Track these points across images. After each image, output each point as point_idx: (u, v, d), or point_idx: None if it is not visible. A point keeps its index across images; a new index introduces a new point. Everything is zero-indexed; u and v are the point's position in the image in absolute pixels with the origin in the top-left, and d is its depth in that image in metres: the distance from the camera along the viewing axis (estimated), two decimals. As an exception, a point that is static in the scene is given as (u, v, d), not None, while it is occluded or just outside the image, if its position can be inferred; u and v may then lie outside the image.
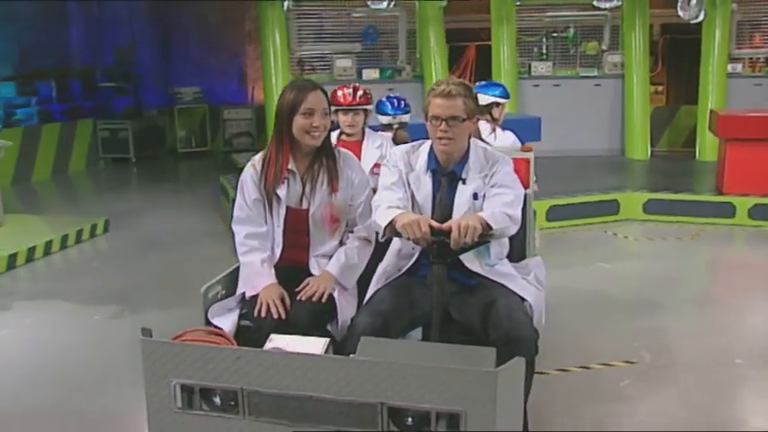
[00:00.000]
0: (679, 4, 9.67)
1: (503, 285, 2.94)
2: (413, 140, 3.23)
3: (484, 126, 4.94)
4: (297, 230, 3.08)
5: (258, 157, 3.14)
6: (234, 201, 3.23)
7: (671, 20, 11.30)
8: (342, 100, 4.43)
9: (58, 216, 7.90)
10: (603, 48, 11.21)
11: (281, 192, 3.05)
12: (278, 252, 3.08)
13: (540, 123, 6.83)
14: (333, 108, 4.35)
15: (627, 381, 3.99)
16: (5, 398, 3.91)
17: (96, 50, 12.94)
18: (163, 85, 13.61)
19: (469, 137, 3.04)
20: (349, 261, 3.07)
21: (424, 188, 3.00)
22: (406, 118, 4.95)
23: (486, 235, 2.73)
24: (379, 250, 3.14)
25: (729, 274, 6.51)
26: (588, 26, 11.36)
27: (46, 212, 8.28)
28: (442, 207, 2.96)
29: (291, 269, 3.06)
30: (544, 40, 11.55)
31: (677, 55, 13.18)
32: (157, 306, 5.22)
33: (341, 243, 3.15)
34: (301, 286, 2.97)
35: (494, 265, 3.00)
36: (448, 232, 2.66)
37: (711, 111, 8.69)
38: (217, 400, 2.26)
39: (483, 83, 5.28)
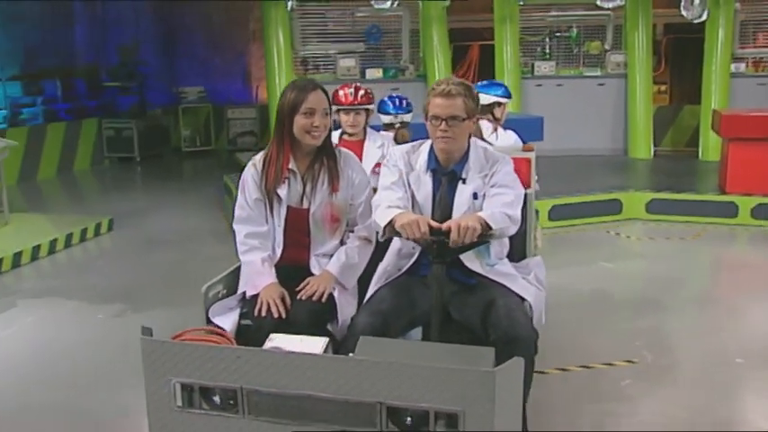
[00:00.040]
0: (682, 3, 9.66)
1: (503, 285, 2.94)
2: (414, 140, 3.23)
3: (485, 126, 4.94)
4: (297, 230, 3.09)
5: (259, 157, 3.14)
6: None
7: (674, 19, 11.29)
8: (343, 100, 4.45)
9: (63, 215, 7.93)
10: (606, 47, 11.21)
11: (282, 191, 3.06)
12: (278, 251, 3.09)
13: (543, 123, 6.84)
14: (334, 108, 4.38)
15: (628, 380, 3.99)
16: (11, 396, 3.94)
17: (101, 50, 12.98)
18: (167, 84, 13.64)
19: (469, 136, 3.04)
20: (349, 261, 3.08)
21: (425, 188, 3.01)
22: (407, 117, 4.96)
23: (485, 235, 2.73)
24: (380, 250, 3.14)
25: (731, 273, 6.51)
26: (591, 26, 11.36)
27: (51, 211, 8.31)
28: (442, 207, 2.97)
29: (292, 268, 3.06)
30: (547, 39, 11.56)
31: (680, 54, 13.17)
32: (161, 305, 5.24)
33: (341, 243, 3.16)
34: (301, 286, 2.98)
35: (494, 265, 3.00)
36: (447, 232, 2.67)
37: (714, 110, 8.68)
38: (216, 399, 2.27)
39: (484, 82, 5.28)
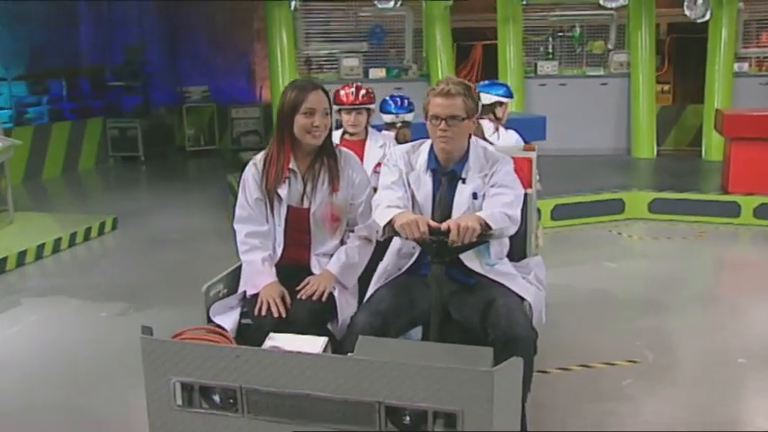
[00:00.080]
0: (685, 3, 9.66)
1: (502, 285, 2.94)
2: (415, 139, 3.24)
3: (487, 125, 4.94)
4: (298, 229, 3.11)
5: (260, 157, 3.15)
6: (239, 199, 3.25)
7: (677, 19, 11.28)
8: (344, 99, 4.46)
9: (67, 214, 7.96)
10: (610, 47, 11.18)
11: (283, 191, 3.07)
12: (279, 251, 3.10)
13: (545, 122, 6.84)
14: (336, 107, 4.40)
15: (629, 380, 4.00)
16: (17, 395, 3.96)
17: (106, 50, 13.01)
18: (171, 83, 13.66)
19: (469, 136, 3.04)
20: (349, 260, 3.09)
21: (424, 187, 3.01)
22: (409, 117, 4.97)
23: (484, 235, 2.74)
24: (380, 249, 3.15)
25: (734, 273, 6.50)
26: (594, 25, 11.34)
27: (55, 210, 8.34)
28: (442, 206, 2.98)
29: (292, 268, 3.08)
30: (550, 39, 11.54)
31: (684, 54, 13.14)
32: (164, 304, 5.26)
33: (342, 242, 3.17)
34: (301, 285, 2.99)
35: (494, 265, 3.00)
36: (447, 232, 2.67)
37: (717, 110, 8.67)
38: (216, 398, 2.28)
39: (486, 82, 5.28)
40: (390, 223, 2.77)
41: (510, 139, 5.04)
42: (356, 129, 4.49)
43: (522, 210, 3.00)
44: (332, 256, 3.12)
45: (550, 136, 6.81)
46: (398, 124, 4.93)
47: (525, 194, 3.12)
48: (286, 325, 2.79)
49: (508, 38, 10.63)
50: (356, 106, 4.45)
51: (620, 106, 10.81)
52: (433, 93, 2.95)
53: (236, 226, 3.15)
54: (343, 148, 3.25)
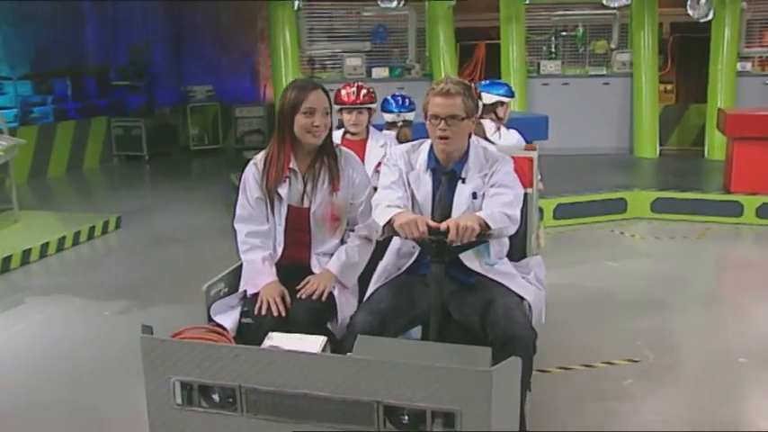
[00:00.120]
0: (688, 2, 9.64)
1: (502, 284, 2.94)
2: (415, 139, 3.24)
3: (488, 125, 4.94)
4: (298, 229, 3.12)
5: (260, 156, 3.16)
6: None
7: (680, 18, 11.26)
8: (345, 99, 4.47)
9: (72, 213, 8.00)
10: (612, 46, 11.18)
11: (283, 190, 3.08)
12: (279, 250, 3.11)
13: (548, 122, 6.83)
14: (337, 107, 4.41)
15: (630, 379, 4.00)
16: (21, 393, 3.98)
17: (111, 50, 13.04)
18: (176, 83, 13.69)
19: (469, 136, 3.05)
20: (349, 260, 3.10)
21: (424, 187, 3.02)
22: (410, 116, 4.98)
23: (484, 234, 2.74)
24: (380, 249, 3.16)
25: (736, 273, 6.50)
26: (597, 25, 11.33)
27: (60, 209, 8.37)
28: (442, 206, 2.98)
29: (293, 267, 3.09)
30: (553, 38, 11.54)
31: (686, 53, 13.12)
32: (167, 302, 5.28)
33: (342, 241, 3.18)
34: (301, 284, 3.00)
35: (493, 264, 3.00)
36: (446, 232, 2.68)
37: (719, 109, 8.67)
38: (215, 397, 2.29)
39: (487, 82, 5.28)
40: (390, 223, 2.78)
41: (511, 138, 5.04)
42: (357, 128, 4.50)
43: (522, 209, 3.00)
44: (332, 255, 3.12)
45: (553, 135, 6.81)
46: (400, 123, 4.94)
47: (525, 194, 3.12)
48: (286, 324, 2.80)
49: (511, 37, 10.63)
50: (357, 106, 4.46)
51: (622, 106, 10.80)
52: (433, 92, 2.96)
53: (236, 225, 3.16)
54: (344, 148, 3.26)
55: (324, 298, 2.95)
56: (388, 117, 4.99)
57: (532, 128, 6.05)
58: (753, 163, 7.46)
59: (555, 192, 7.32)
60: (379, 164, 4.19)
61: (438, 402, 2.13)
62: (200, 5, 13.44)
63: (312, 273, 3.09)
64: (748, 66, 10.63)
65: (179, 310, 4.81)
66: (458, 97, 2.91)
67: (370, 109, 4.52)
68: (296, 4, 10.26)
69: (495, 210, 2.83)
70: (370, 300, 2.93)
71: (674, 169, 9.55)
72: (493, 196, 2.93)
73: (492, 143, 4.32)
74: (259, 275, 3.01)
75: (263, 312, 2.88)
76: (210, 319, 2.92)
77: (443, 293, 2.78)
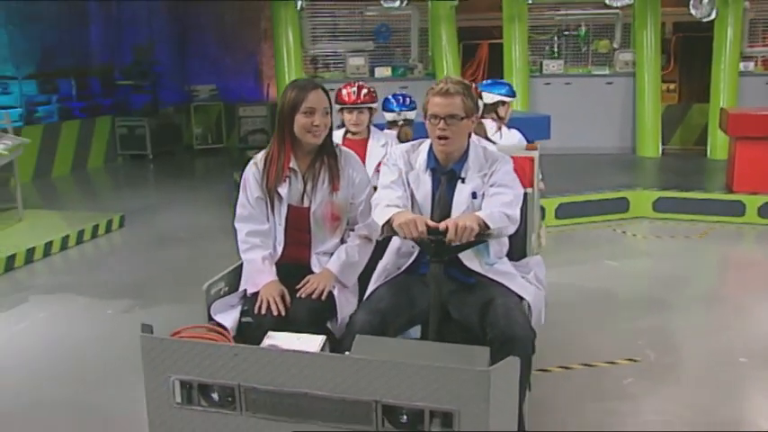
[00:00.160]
0: (691, 2, 9.63)
1: (501, 284, 2.94)
2: (417, 138, 3.25)
3: (489, 125, 4.95)
4: (298, 228, 3.13)
5: (260, 156, 3.17)
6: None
7: (683, 18, 11.23)
8: (346, 98, 4.49)
9: (76, 211, 8.02)
10: (615, 46, 11.18)
11: (283, 190, 3.09)
12: (279, 249, 3.12)
13: (550, 121, 6.83)
14: (338, 107, 4.42)
15: (630, 379, 4.00)
16: (24, 391, 4.00)
17: (115, 49, 13.07)
18: (180, 82, 13.73)
19: (469, 136, 3.05)
20: (349, 259, 3.10)
21: (424, 187, 3.02)
22: (411, 115, 4.99)
23: (483, 234, 2.74)
24: (380, 248, 3.16)
25: (738, 272, 6.50)
26: (600, 24, 11.34)
27: (64, 208, 8.40)
28: (441, 206, 2.98)
29: (293, 266, 3.10)
30: (556, 38, 11.54)
31: (689, 53, 13.11)
32: (170, 301, 5.30)
33: (342, 241, 3.19)
34: (301, 284, 3.01)
35: (493, 264, 3.00)
36: (445, 231, 2.68)
37: (722, 109, 8.66)
38: (215, 395, 2.29)
39: (488, 81, 5.29)
40: (389, 222, 2.78)
41: (512, 138, 5.05)
42: (358, 128, 4.51)
43: (522, 209, 3.00)
44: (332, 254, 3.13)
45: (555, 135, 6.81)
46: (401, 122, 4.96)
47: (525, 194, 3.12)
48: (286, 323, 2.81)
49: (514, 37, 10.63)
50: (358, 105, 4.47)
51: (625, 105, 10.79)
52: (433, 92, 2.96)
53: (236, 225, 3.17)
54: (344, 147, 3.26)
55: (323, 297, 2.96)
56: (389, 116, 5.00)
57: (535, 127, 6.06)
58: (755, 163, 7.45)
59: (557, 191, 7.32)
60: (380, 163, 4.22)
61: (436, 402, 2.13)
62: (204, 5, 13.47)
63: (312, 272, 3.09)
64: (751, 65, 10.61)
65: (182, 309, 4.82)
66: (457, 97, 2.91)
67: (370, 108, 4.53)
68: (299, 3, 10.29)
69: (494, 209, 2.83)
70: (369, 299, 2.93)
71: (677, 169, 9.53)
72: (492, 196, 2.93)
73: (493, 143, 4.34)
74: (259, 275, 3.02)
75: (263, 311, 2.89)
76: (211, 318, 2.93)
77: (443, 293, 2.78)
